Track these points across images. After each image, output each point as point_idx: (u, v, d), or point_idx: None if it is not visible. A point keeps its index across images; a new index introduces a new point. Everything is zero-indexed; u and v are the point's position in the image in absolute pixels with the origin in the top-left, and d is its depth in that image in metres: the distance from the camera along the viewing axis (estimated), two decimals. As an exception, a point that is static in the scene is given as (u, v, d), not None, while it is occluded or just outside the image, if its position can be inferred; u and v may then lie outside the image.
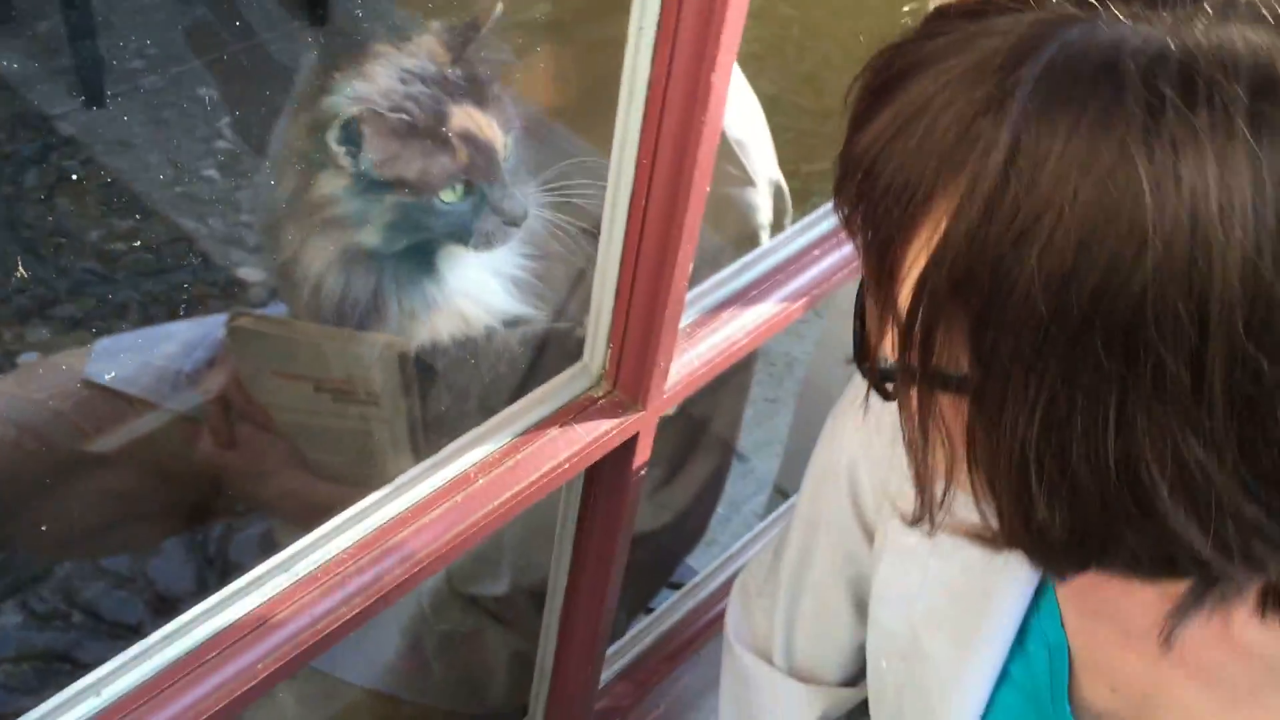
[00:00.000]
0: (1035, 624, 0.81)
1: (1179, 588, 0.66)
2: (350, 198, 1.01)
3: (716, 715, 1.50)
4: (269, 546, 0.82)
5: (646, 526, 1.42)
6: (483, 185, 0.99)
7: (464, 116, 0.99)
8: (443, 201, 0.99)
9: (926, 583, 0.83)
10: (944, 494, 0.60)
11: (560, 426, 0.89)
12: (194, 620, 0.74)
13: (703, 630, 1.40)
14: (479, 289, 1.09)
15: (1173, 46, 0.47)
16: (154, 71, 2.35)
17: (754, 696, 1.01)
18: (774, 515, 1.59)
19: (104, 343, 1.36)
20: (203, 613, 0.73)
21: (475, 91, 1.01)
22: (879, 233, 0.54)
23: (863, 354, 0.61)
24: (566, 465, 0.88)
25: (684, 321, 0.94)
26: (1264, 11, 0.49)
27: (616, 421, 0.90)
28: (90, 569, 1.69)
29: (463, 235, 1.01)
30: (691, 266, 0.86)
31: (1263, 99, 0.46)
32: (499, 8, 1.06)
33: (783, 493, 1.86)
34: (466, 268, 1.07)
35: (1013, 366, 0.50)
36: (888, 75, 0.54)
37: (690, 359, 0.94)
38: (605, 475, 0.95)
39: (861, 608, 0.94)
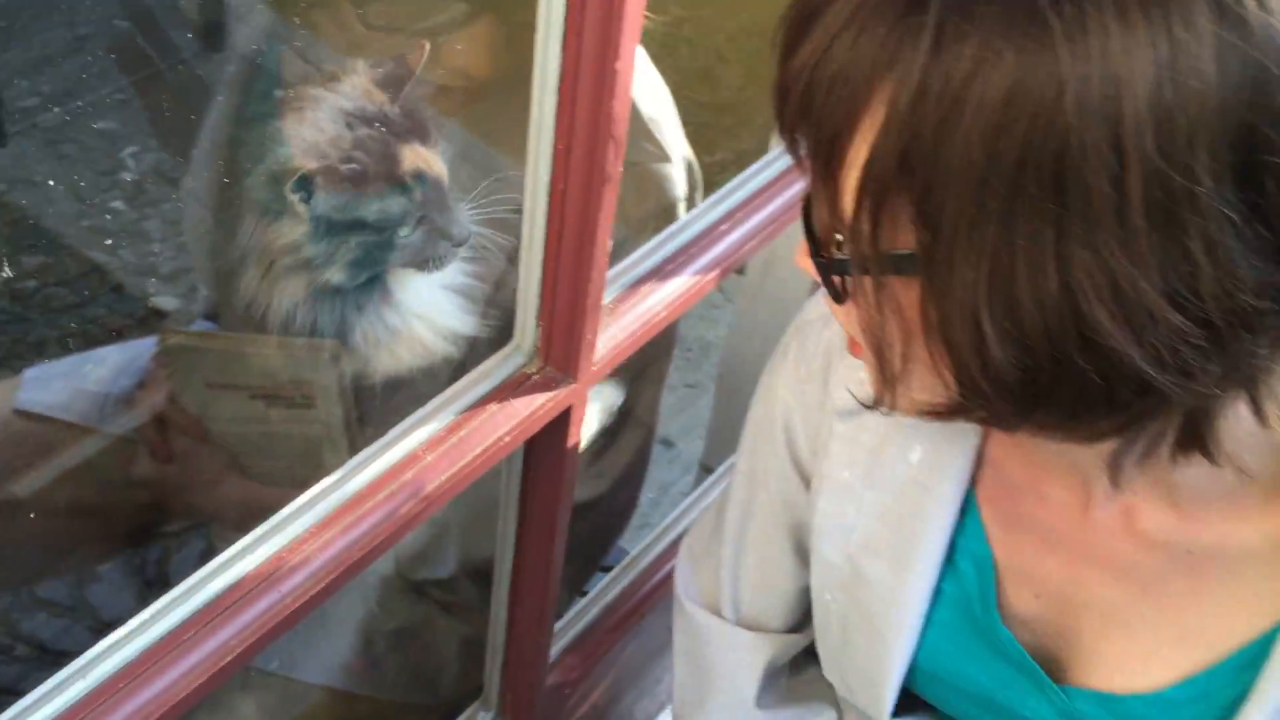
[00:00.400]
0: (962, 542, 0.87)
1: (1096, 469, 0.73)
2: (313, 242, 1.05)
3: (662, 684, 1.57)
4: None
5: (578, 498, 1.48)
6: (435, 216, 1.05)
7: (413, 156, 1.04)
8: (400, 235, 1.04)
9: (862, 512, 0.89)
10: (900, 368, 0.66)
11: (499, 403, 0.94)
12: (172, 603, 0.78)
13: (644, 600, 1.46)
14: (433, 310, 1.15)
15: None
16: (52, 108, 2.35)
17: (705, 649, 1.06)
18: (701, 489, 1.66)
19: (32, 371, 1.38)
20: (185, 592, 0.78)
21: (418, 130, 1.06)
22: (823, 133, 0.61)
23: (815, 251, 0.67)
24: (508, 438, 0.93)
25: (607, 298, 1.00)
26: None
27: (550, 395, 0.96)
28: (29, 600, 1.69)
29: (418, 261, 1.07)
30: (612, 242, 0.92)
31: None
32: (426, 47, 1.11)
33: (707, 469, 1.93)
34: (420, 289, 1.13)
35: (958, 227, 0.57)
36: (812, 1, 0.61)
37: (615, 332, 1.01)
38: (543, 446, 1.01)
39: (802, 554, 1.00)
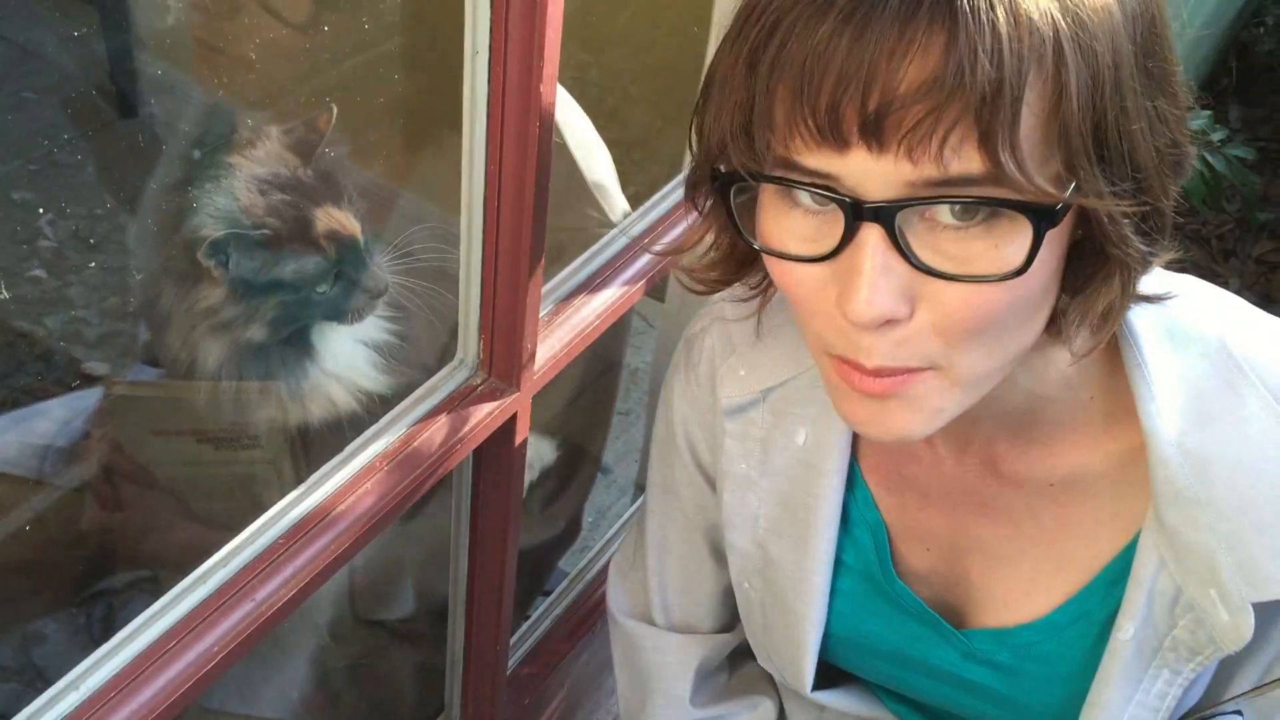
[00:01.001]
0: (855, 513, 0.94)
1: (960, 420, 0.80)
2: (232, 304, 1.09)
3: (615, 694, 1.62)
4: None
5: (534, 541, 1.53)
6: (351, 272, 1.09)
7: (326, 218, 1.09)
8: (318, 292, 1.09)
9: (762, 500, 0.95)
10: (1038, 312, 0.73)
11: (448, 414, 1.00)
12: (154, 615, 0.82)
13: (592, 611, 1.52)
14: (347, 367, 1.18)
15: None
16: (-36, 181, 2.35)
17: (640, 656, 1.11)
18: (635, 505, 1.72)
19: None
20: (162, 608, 0.82)
21: (331, 191, 1.10)
22: (1004, 97, 0.63)
23: (1033, 212, 0.66)
24: (458, 447, 0.99)
25: (543, 311, 1.07)
26: None
27: (496, 404, 1.02)
28: (-32, 666, 1.68)
29: (337, 315, 1.11)
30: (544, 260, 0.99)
31: None
32: (334, 110, 1.15)
33: (642, 488, 1.99)
34: (339, 342, 1.17)
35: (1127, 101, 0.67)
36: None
37: (552, 343, 1.07)
38: (491, 454, 1.06)
39: (720, 555, 1.06)
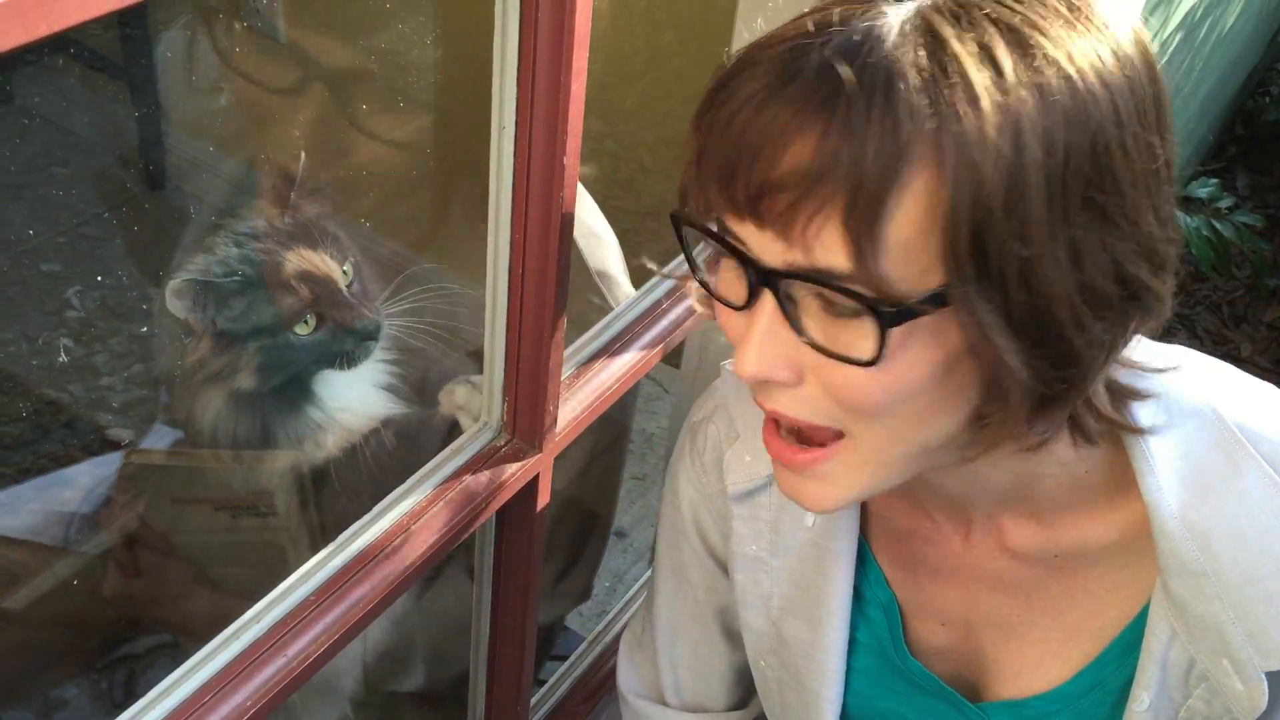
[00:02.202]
0: (868, 591, 0.95)
1: (971, 502, 0.84)
2: (217, 355, 1.13)
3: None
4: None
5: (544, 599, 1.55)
6: (331, 313, 1.12)
7: (298, 259, 1.13)
8: (298, 335, 1.12)
9: (775, 579, 0.96)
10: (917, 416, 0.72)
11: (473, 474, 1.03)
12: (189, 671, 0.84)
13: (608, 675, 1.53)
14: (359, 402, 1.22)
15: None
16: (-3, 252, 2.41)
17: None
18: (650, 572, 1.73)
19: (1, 496, 1.42)
20: (201, 659, 0.84)
21: (305, 234, 1.15)
22: (860, 197, 0.63)
23: (881, 310, 0.66)
24: (484, 506, 1.02)
25: (565, 374, 1.10)
26: None
27: (520, 465, 1.05)
28: (-7, 734, 1.69)
29: (329, 360, 1.14)
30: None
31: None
32: (303, 156, 1.20)
33: (660, 553, 2.00)
34: (343, 386, 1.19)
35: (1035, 231, 0.64)
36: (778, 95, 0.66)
37: (574, 405, 1.10)
38: (515, 513, 1.09)
39: (732, 635, 1.07)
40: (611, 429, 1.60)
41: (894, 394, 0.69)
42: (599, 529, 1.69)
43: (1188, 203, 2.86)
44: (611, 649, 1.56)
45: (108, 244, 2.37)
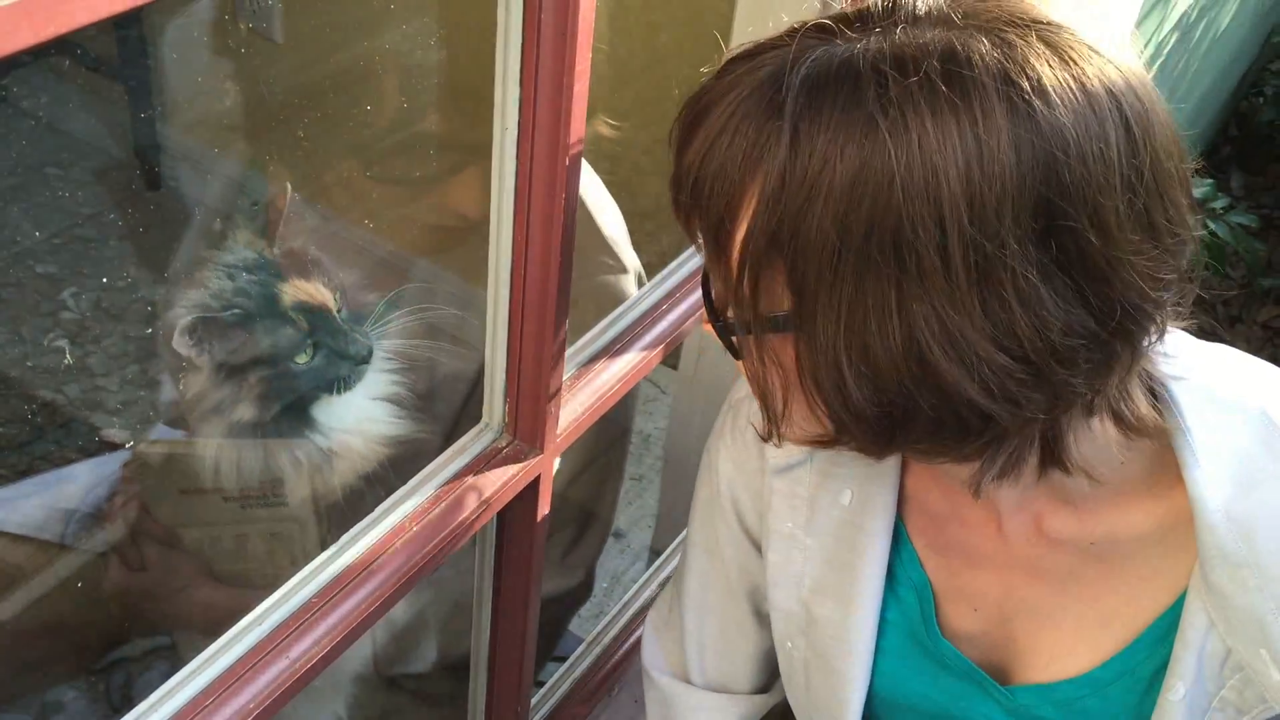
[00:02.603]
0: (901, 572, 0.96)
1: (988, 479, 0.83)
2: (216, 387, 1.12)
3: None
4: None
5: (557, 589, 1.55)
6: (327, 340, 1.12)
7: (293, 290, 1.13)
8: (297, 364, 1.12)
9: (808, 559, 0.97)
10: (783, 409, 0.78)
11: (475, 475, 1.03)
12: (199, 668, 0.84)
13: (608, 674, 1.53)
14: (364, 422, 1.21)
15: (885, 46, 0.69)
16: (-10, 254, 2.40)
17: (675, 714, 1.12)
18: (651, 570, 1.74)
19: (2, 493, 1.41)
20: (205, 661, 0.84)
21: (296, 265, 1.15)
22: (710, 218, 0.73)
23: (713, 317, 0.79)
24: (485, 507, 1.02)
25: (565, 375, 1.10)
26: (936, 17, 0.71)
27: (520, 466, 1.05)
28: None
29: (325, 385, 1.14)
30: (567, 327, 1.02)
31: (950, 64, 0.67)
32: (289, 189, 1.20)
33: (656, 552, 2.01)
34: (344, 407, 1.18)
35: (819, 291, 0.70)
36: (696, 109, 0.74)
37: (575, 406, 1.10)
38: (516, 514, 1.09)
39: (761, 616, 1.07)
40: (612, 430, 1.60)
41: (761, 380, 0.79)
42: (597, 526, 1.69)
43: (1183, 203, 2.86)
44: (611, 649, 1.56)
45: (103, 245, 2.37)
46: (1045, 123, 0.66)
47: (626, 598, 1.66)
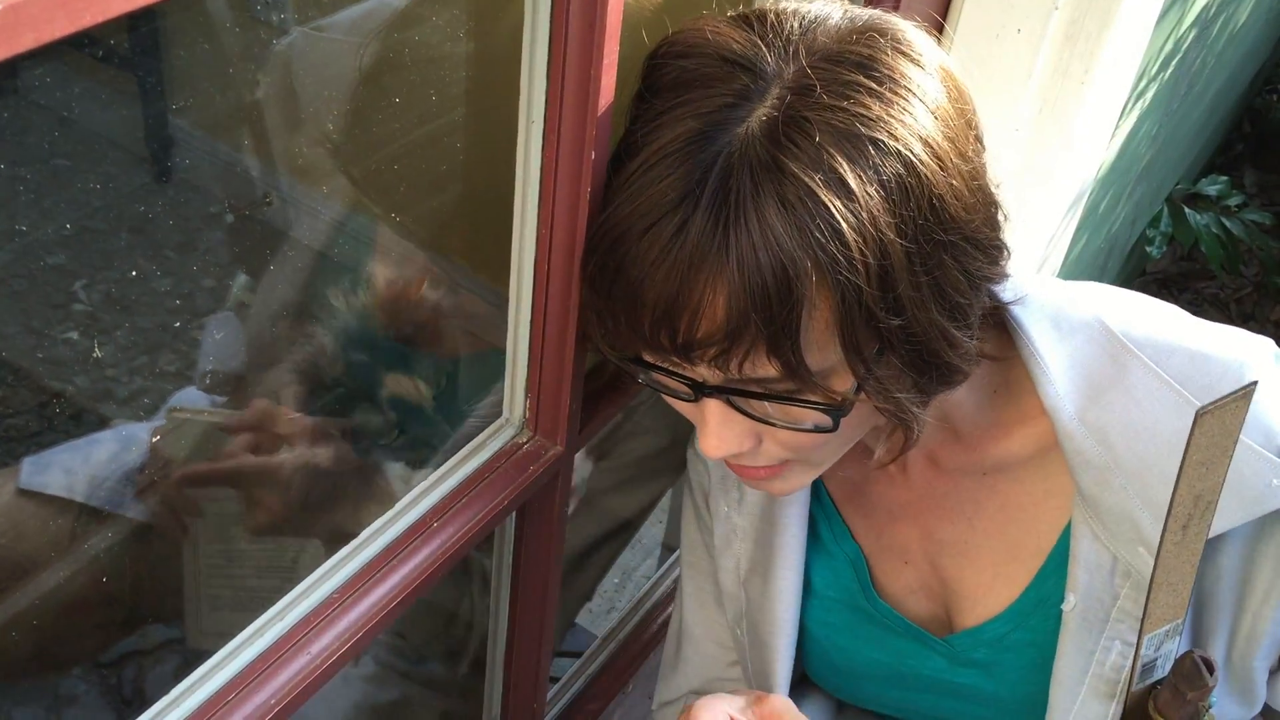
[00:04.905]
0: (835, 547, 1.02)
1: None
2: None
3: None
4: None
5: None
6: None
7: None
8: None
9: (741, 539, 1.02)
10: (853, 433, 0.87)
11: (495, 471, 1.02)
12: (215, 666, 0.84)
13: (623, 670, 1.53)
14: None
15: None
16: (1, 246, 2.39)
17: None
18: (664, 567, 1.73)
19: (31, 458, 1.41)
20: (225, 656, 0.84)
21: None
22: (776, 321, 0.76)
23: (830, 415, 0.82)
24: (505, 502, 1.01)
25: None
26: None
27: (541, 462, 1.04)
28: (1, 727, 1.69)
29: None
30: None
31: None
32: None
33: (670, 549, 2.00)
34: None
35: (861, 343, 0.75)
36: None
37: (594, 401, 1.09)
38: (535, 509, 1.08)
39: None
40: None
41: (842, 438, 0.85)
42: (624, 537, 1.69)
43: (1196, 200, 2.85)
44: (624, 646, 1.55)
45: (114, 237, 2.36)
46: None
47: (640, 594, 1.65)
